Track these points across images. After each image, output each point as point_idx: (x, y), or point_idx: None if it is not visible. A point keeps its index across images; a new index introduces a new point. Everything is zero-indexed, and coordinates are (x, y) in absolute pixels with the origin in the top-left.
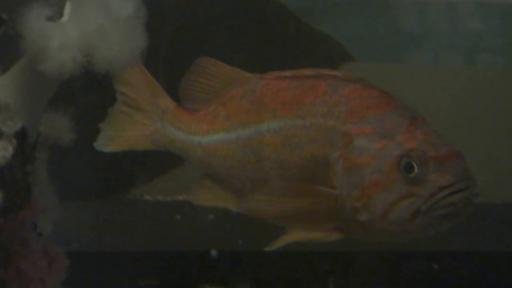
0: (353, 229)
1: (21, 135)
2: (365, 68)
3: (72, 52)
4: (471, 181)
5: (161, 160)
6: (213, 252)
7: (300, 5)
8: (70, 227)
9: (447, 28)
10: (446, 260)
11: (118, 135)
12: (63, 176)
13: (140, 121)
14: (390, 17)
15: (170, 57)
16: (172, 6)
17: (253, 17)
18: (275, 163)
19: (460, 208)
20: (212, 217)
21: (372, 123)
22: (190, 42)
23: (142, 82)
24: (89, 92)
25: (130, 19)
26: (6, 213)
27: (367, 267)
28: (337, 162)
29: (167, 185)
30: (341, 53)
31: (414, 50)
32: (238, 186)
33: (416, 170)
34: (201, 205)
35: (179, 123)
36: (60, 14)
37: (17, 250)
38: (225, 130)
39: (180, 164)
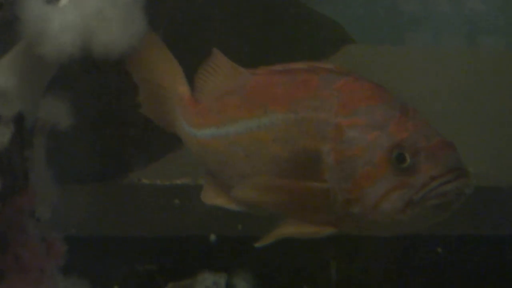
0: (346, 223)
1: (19, 120)
2: (365, 50)
3: (71, 36)
4: (463, 171)
5: (159, 143)
6: (212, 237)
7: None
8: (67, 212)
9: (448, 10)
10: (450, 244)
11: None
12: (59, 160)
13: (160, 109)
14: None
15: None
16: None
17: (253, 0)
18: (265, 159)
19: (452, 198)
20: None
21: (364, 115)
22: (189, 26)
23: (165, 66)
24: (87, 76)
25: (129, 3)
26: (4, 199)
27: (370, 252)
28: (328, 155)
29: (166, 168)
30: (342, 35)
31: (415, 32)
32: (229, 182)
33: (407, 160)
34: (208, 204)
35: (186, 114)
36: None
37: (15, 236)
38: (216, 125)
39: (178, 148)
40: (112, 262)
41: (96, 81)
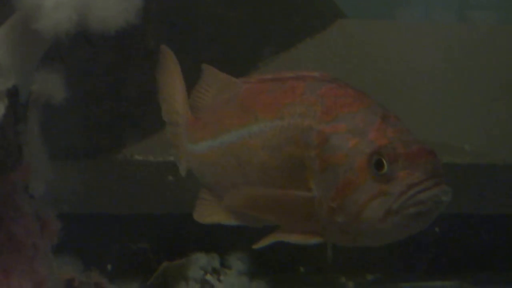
0: (332, 232)
1: (13, 94)
2: (356, 24)
3: (67, 11)
4: (441, 179)
5: (152, 119)
6: None
7: None
8: (59, 188)
9: None
10: (447, 223)
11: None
12: (52, 135)
13: (175, 140)
14: None
15: None
16: None
17: None
18: (255, 167)
19: (431, 206)
20: None
21: (345, 122)
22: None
23: (178, 97)
24: (80, 50)
25: None
26: None
27: None
28: (313, 162)
29: (159, 144)
30: (333, 9)
31: (406, 6)
32: (223, 193)
33: (386, 167)
34: (205, 223)
35: (187, 132)
36: None
37: (8, 213)
38: (212, 137)
39: None
40: (104, 239)
41: (90, 56)
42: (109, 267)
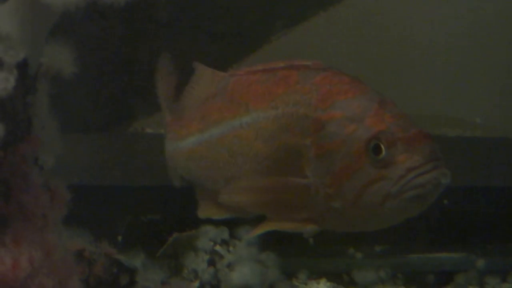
0: (328, 218)
1: (22, 66)
2: None
3: None
4: (440, 162)
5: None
6: None
7: None
8: (71, 160)
9: None
10: (457, 195)
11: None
12: (63, 109)
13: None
14: None
15: None
16: None
17: None
18: (248, 158)
19: (429, 189)
20: None
21: (342, 108)
22: None
23: (163, 100)
24: (92, 25)
25: None
26: (7, 146)
27: None
28: (309, 149)
29: None
30: None
31: None
32: (214, 187)
33: (383, 152)
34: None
35: (170, 133)
36: None
37: (18, 184)
38: (200, 131)
39: None
40: (116, 211)
41: (101, 29)
42: (119, 238)
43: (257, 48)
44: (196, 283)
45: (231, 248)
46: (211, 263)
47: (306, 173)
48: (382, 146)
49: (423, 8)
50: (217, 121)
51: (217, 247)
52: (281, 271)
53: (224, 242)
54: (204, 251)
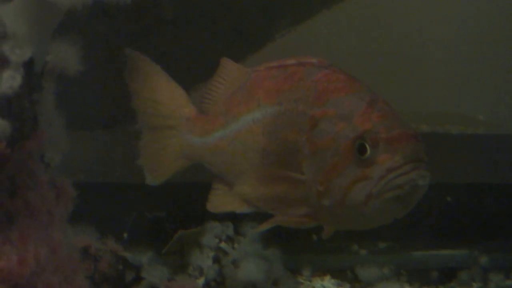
0: (322, 215)
1: (29, 64)
2: None
3: None
4: (420, 163)
5: None
6: None
7: None
8: (77, 157)
9: None
10: (460, 192)
11: (157, 166)
12: (69, 106)
13: (168, 142)
14: None
15: None
16: None
17: None
18: (257, 153)
19: (408, 190)
20: None
21: (335, 106)
22: None
23: (167, 94)
24: (98, 23)
25: None
26: (13, 144)
27: None
28: (304, 146)
29: None
30: None
31: None
32: (235, 180)
33: (368, 151)
34: (218, 212)
35: (195, 128)
36: None
37: (24, 181)
38: (223, 126)
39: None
40: (121, 208)
41: (106, 26)
42: (125, 235)
43: (261, 46)
44: (202, 280)
45: (235, 245)
46: (216, 259)
47: (302, 170)
48: (367, 146)
49: (426, 5)
50: (236, 116)
51: (222, 244)
52: (285, 267)
53: (229, 239)
54: (210, 248)
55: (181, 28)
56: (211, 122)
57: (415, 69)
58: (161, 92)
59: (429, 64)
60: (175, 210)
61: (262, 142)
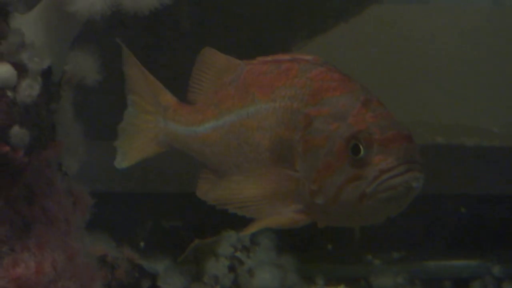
0: (315, 213)
1: (47, 73)
2: (391, 9)
3: None
4: (414, 165)
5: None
6: None
7: None
8: (94, 167)
9: None
10: (474, 204)
11: (129, 149)
12: (87, 116)
13: (144, 126)
14: None
15: None
16: None
17: None
18: (251, 147)
19: (401, 191)
20: None
21: (329, 105)
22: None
23: (143, 84)
24: (115, 33)
25: None
26: (31, 152)
27: None
28: (298, 144)
29: None
30: None
31: None
32: (226, 172)
33: (362, 152)
34: (207, 199)
35: (179, 116)
36: None
37: (42, 189)
38: (215, 118)
39: None
40: (137, 217)
41: (124, 37)
42: (141, 244)
43: None
44: None
45: (251, 254)
46: (232, 268)
47: (296, 167)
48: (361, 146)
49: (443, 19)
50: (229, 109)
51: (238, 253)
52: (300, 276)
53: (244, 248)
54: (225, 257)
55: (198, 39)
56: (200, 112)
57: (432, 81)
58: (138, 81)
59: (446, 77)
60: (191, 219)
61: (256, 137)
